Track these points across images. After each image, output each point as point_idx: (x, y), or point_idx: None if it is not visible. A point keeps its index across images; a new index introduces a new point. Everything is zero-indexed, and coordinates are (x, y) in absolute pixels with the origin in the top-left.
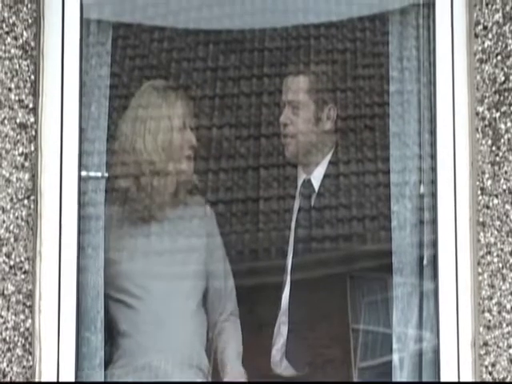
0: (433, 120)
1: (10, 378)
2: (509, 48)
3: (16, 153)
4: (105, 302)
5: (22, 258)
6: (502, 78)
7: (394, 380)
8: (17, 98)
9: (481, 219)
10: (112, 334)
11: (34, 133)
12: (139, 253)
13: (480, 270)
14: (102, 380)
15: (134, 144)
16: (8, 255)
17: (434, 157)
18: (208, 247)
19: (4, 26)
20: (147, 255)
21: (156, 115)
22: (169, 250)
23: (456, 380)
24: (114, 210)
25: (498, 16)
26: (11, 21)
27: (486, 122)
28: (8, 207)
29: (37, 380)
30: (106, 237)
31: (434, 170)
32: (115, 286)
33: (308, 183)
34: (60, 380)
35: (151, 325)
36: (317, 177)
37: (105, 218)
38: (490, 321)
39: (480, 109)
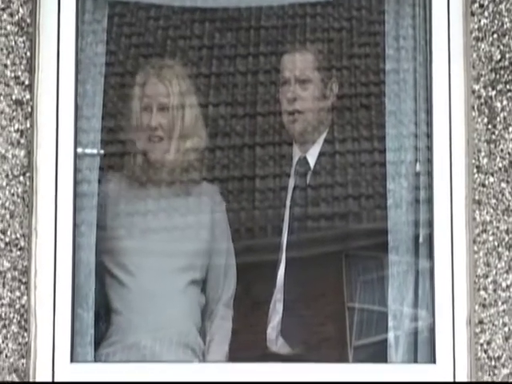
0: (429, 98)
1: (6, 354)
2: (505, 26)
3: (12, 129)
4: (102, 278)
5: (18, 235)
6: (498, 56)
7: (389, 358)
8: (12, 74)
9: (476, 197)
10: (106, 311)
11: (29, 109)
12: (138, 230)
13: (476, 249)
14: (92, 358)
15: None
16: (3, 232)
17: (429, 135)
18: (212, 226)
19: (0, 2)
20: (145, 232)
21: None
22: (168, 227)
23: (451, 358)
24: (115, 187)
25: None
26: None
27: (482, 100)
28: (4, 184)
29: (32, 355)
30: (105, 213)
31: (429, 148)
32: (113, 261)
33: (304, 161)
34: (55, 356)
35: (142, 303)
36: (313, 154)
37: (103, 195)
38: (485, 299)
39: (476, 87)
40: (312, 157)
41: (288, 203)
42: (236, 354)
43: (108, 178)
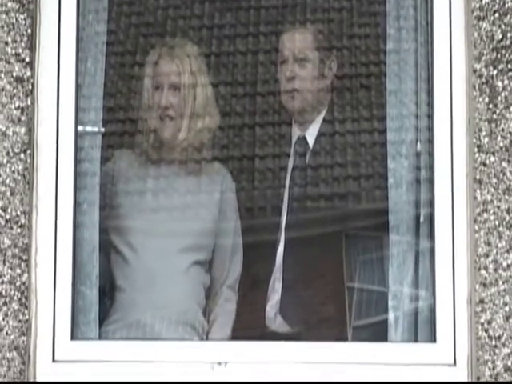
0: (430, 78)
1: (6, 332)
2: (506, 5)
3: (12, 107)
4: (108, 256)
5: (19, 212)
6: (500, 36)
7: (389, 338)
8: (13, 51)
9: (477, 177)
10: (110, 288)
11: (30, 87)
12: (146, 208)
13: (476, 228)
14: (97, 335)
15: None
16: (4, 209)
17: (430, 115)
18: (220, 206)
19: None
20: (154, 211)
21: (142, 74)
22: (176, 206)
23: (452, 337)
24: (121, 165)
25: None
26: None
27: (484, 80)
28: (4, 161)
29: (33, 333)
30: (113, 191)
31: (430, 128)
32: (121, 239)
33: (303, 140)
34: (56, 334)
35: (146, 280)
36: (312, 134)
37: (112, 173)
38: (486, 278)
39: (477, 66)
40: (311, 136)
41: (287, 183)
42: (235, 333)
43: (117, 155)
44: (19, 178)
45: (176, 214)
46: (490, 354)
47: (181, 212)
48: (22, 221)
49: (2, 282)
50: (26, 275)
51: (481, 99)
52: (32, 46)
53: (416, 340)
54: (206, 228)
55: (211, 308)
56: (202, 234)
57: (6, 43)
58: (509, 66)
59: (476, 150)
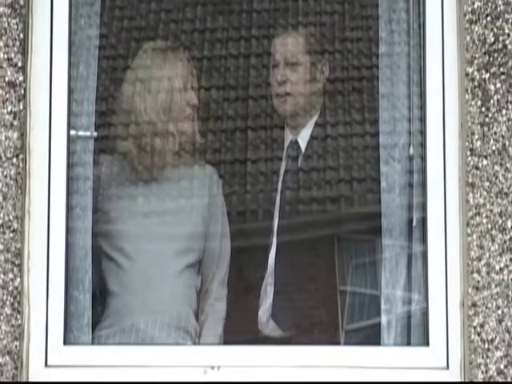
0: (422, 81)
1: None
2: (499, 9)
3: (5, 111)
4: (99, 260)
5: (11, 217)
6: (492, 39)
7: (382, 342)
8: (5, 56)
9: (470, 180)
10: (103, 293)
11: (22, 91)
12: (137, 213)
13: (469, 231)
14: (90, 340)
15: (135, 104)
16: None
17: (423, 118)
18: (209, 209)
19: None
20: (145, 215)
21: (156, 76)
22: (167, 210)
23: (444, 341)
24: (113, 170)
25: None
26: None
27: (476, 83)
28: None
29: (25, 337)
30: (103, 196)
31: (423, 131)
32: (111, 244)
33: (295, 144)
34: (48, 339)
35: (139, 285)
36: (304, 137)
37: (102, 178)
38: (478, 282)
39: (469, 70)
40: (303, 140)
41: (279, 187)
42: (227, 337)
43: (106, 160)
44: (11, 182)
45: (165, 218)
46: (482, 358)
47: (168, 216)
48: (15, 225)
49: None
50: (18, 280)
51: (473, 103)
52: (24, 51)
53: (409, 344)
54: (197, 231)
55: (202, 307)
56: (193, 238)
57: None
58: (501, 69)
59: (468, 153)
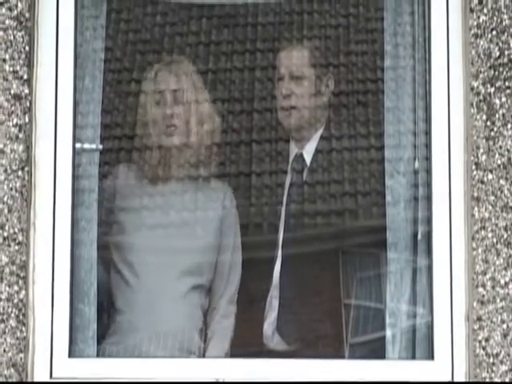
0: (427, 95)
1: (4, 349)
2: (504, 23)
3: (10, 124)
4: (108, 270)
5: (16, 230)
6: (497, 53)
7: (386, 355)
8: (11, 69)
9: (475, 194)
10: (109, 308)
11: (28, 104)
12: (147, 226)
13: (474, 245)
14: (95, 352)
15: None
16: (2, 226)
17: (428, 132)
18: (222, 223)
19: None
20: (154, 228)
21: (142, 89)
22: (177, 223)
23: (449, 355)
24: (128, 182)
25: None
26: None
27: (481, 97)
28: (2, 178)
29: (30, 350)
30: (112, 208)
31: (428, 145)
32: (121, 256)
33: (300, 157)
34: (53, 351)
35: (144, 305)
36: (309, 151)
37: (111, 190)
38: (483, 296)
39: (475, 84)
40: (308, 153)
41: (285, 200)
42: (232, 350)
43: (117, 172)
44: (17, 195)
45: (177, 232)
46: (487, 372)
47: (183, 230)
48: (20, 238)
49: (0, 300)
50: (23, 292)
51: (478, 117)
52: (30, 64)
53: (414, 357)
54: (208, 245)
55: (208, 323)
56: (204, 252)
57: (4, 60)
58: (506, 83)
59: (474, 167)
